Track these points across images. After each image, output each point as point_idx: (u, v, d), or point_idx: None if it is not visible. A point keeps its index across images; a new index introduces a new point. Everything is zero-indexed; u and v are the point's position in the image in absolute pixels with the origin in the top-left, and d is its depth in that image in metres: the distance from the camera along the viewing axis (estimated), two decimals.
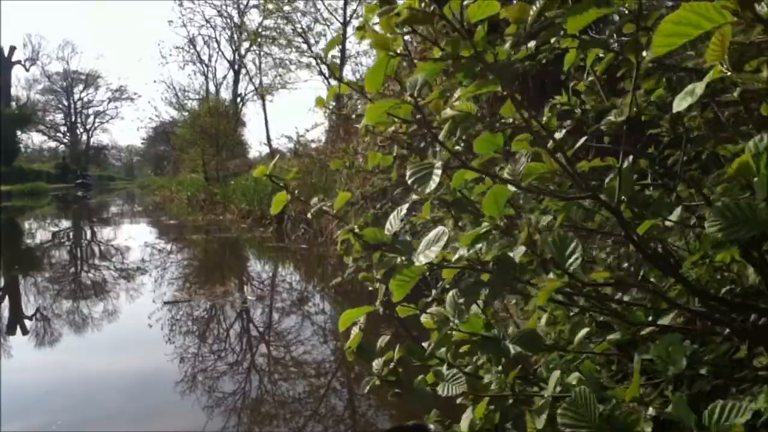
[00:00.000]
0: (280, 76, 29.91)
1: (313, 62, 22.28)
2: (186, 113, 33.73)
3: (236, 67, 43.10)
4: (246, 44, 37.65)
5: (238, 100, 43.36)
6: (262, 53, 33.19)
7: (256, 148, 48.82)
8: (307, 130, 14.60)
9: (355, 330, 1.94)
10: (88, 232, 18.61)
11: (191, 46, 43.54)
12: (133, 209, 29.46)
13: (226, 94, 44.13)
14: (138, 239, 14.63)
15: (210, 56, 55.13)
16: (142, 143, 75.46)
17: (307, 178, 13.54)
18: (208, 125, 28.19)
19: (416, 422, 2.79)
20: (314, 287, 9.16)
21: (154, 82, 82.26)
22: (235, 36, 40.47)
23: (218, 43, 42.80)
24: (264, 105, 33.33)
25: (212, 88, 45.56)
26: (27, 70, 74.78)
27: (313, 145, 14.59)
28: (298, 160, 14.68)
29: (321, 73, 20.64)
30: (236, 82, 43.98)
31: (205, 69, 45.60)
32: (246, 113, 45.51)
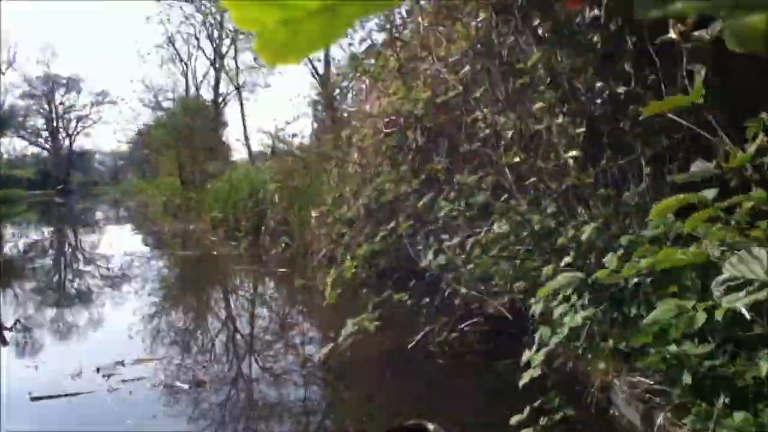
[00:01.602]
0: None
1: None
2: (162, 113, 31.72)
3: (217, 65, 41.29)
4: (227, 42, 35.97)
5: (220, 100, 41.62)
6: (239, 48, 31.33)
7: (239, 149, 46.88)
8: (288, 123, 12.53)
9: None
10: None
11: (170, 44, 41.67)
12: (107, 217, 27.55)
13: (207, 95, 42.34)
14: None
15: (189, 55, 53.18)
16: (127, 146, 73.43)
17: (288, 180, 11.54)
18: (183, 125, 26.21)
19: (416, 422, 3.01)
20: (292, 354, 5.94)
21: (131, 81, 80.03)
22: (216, 33, 38.62)
23: (198, 40, 40.71)
24: (240, 98, 31.27)
25: (193, 89, 43.72)
26: (2, 74, 72.31)
27: (296, 141, 12.59)
28: (277, 159, 12.65)
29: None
30: (217, 81, 42.21)
31: (185, 68, 43.75)
32: (228, 113, 43.73)
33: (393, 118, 7.07)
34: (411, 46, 7.35)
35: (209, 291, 9.96)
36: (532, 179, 4.84)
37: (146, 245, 14.38)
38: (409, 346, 4.75)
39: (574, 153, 5.01)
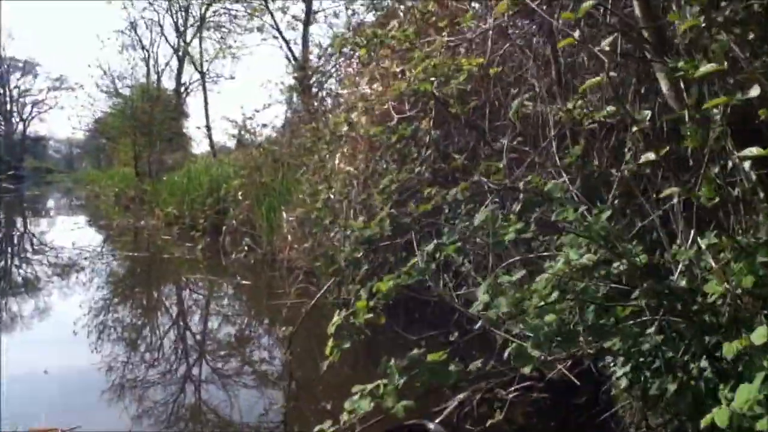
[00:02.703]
0: (223, 41, 26.08)
1: (267, 22, 18.11)
2: (118, 99, 29.75)
3: (180, 53, 39.51)
4: (192, 30, 34.33)
5: (182, 89, 39.86)
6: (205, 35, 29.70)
7: (202, 140, 45.07)
8: (257, 111, 11.01)
9: None
10: None
11: (132, 30, 39.75)
12: (57, 206, 25.66)
13: (169, 84, 40.49)
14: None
15: (152, 41, 51.04)
16: (83, 133, 70.89)
17: (255, 175, 10.01)
18: (141, 112, 24.48)
19: (416, 421, 2.96)
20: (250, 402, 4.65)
21: (89, 66, 77.59)
22: (181, 20, 36.83)
23: (161, 27, 38.78)
24: (203, 84, 29.52)
25: (154, 77, 41.80)
26: None
27: (266, 132, 11.07)
28: (243, 152, 11.12)
29: (279, 34, 16.65)
30: (180, 70, 40.45)
31: (146, 54, 41.83)
32: (191, 104, 41.98)
33: (395, 103, 5.62)
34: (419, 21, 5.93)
35: (160, 299, 8.34)
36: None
37: (86, 242, 12.59)
38: (437, 419, 3.28)
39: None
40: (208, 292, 8.67)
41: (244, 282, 8.57)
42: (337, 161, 6.50)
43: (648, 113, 2.53)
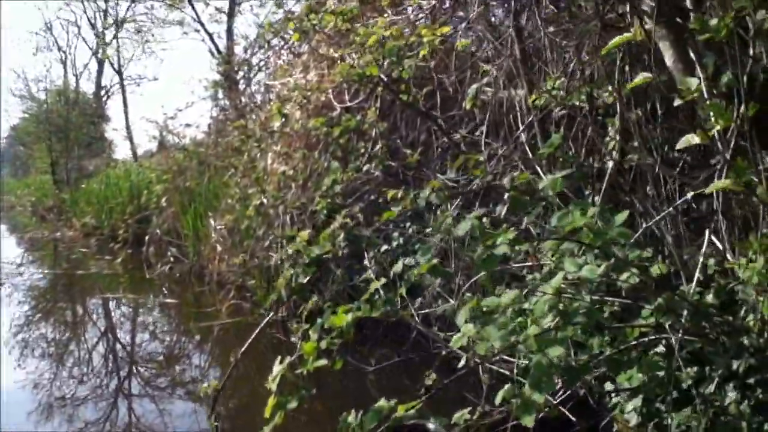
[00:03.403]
0: (142, 38, 24.83)
1: (189, 14, 16.90)
2: (33, 103, 28.11)
3: (99, 55, 37.88)
4: (111, 30, 32.86)
5: (102, 92, 38.22)
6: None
7: (124, 145, 43.41)
8: (180, 110, 10.14)
9: None
10: None
11: (47, 31, 37.89)
12: None
13: (88, 87, 38.75)
14: None
15: (69, 43, 48.93)
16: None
17: (179, 179, 9.15)
18: (57, 116, 23.10)
19: (415, 421, 2.68)
20: None
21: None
22: (99, 20, 35.25)
23: (78, 28, 37.12)
24: (122, 84, 28.22)
25: (73, 80, 39.96)
26: None
27: (191, 133, 10.20)
28: (166, 155, 10.24)
29: (201, 26, 15.58)
30: (99, 72, 38.79)
31: (63, 56, 39.95)
32: (112, 107, 40.38)
33: (335, 92, 4.94)
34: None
35: (65, 324, 7.39)
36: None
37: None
38: None
39: None
40: (128, 312, 7.77)
41: (168, 301, 7.72)
42: (269, 161, 5.77)
43: (694, 81, 1.92)
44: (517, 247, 2.15)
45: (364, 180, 4.24)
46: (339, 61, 4.75)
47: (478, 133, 3.97)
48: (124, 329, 7.15)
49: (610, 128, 3.59)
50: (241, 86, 9.08)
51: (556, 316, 2.36)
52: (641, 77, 2.04)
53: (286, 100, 5.19)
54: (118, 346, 6.43)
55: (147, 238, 9.91)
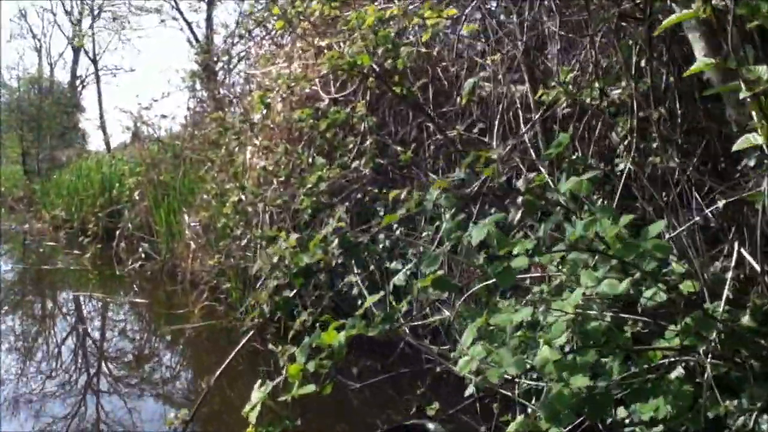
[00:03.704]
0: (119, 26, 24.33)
1: (167, 1, 16.30)
2: (3, 90, 27.43)
3: (75, 44, 37.19)
4: (88, 19, 32.23)
5: (78, 82, 37.56)
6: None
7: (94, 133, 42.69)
8: (155, 100, 9.75)
9: None
10: None
11: (22, 18, 37.12)
12: None
13: (64, 77, 38.02)
14: None
15: (44, 31, 48.06)
16: None
17: (153, 172, 8.77)
18: (29, 105, 22.55)
19: (415, 421, 2.85)
20: None
21: None
22: (75, 8, 34.62)
23: (54, 15, 36.40)
24: (97, 73, 27.68)
25: (47, 68, 39.23)
26: None
27: (166, 124, 9.83)
28: (140, 147, 9.84)
29: (179, 14, 15.06)
30: (75, 61, 38.10)
31: (38, 44, 39.20)
32: (87, 97, 39.72)
33: (320, 83, 4.63)
34: None
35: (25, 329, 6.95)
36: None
37: None
38: None
39: None
40: (96, 311, 7.39)
41: (137, 300, 7.34)
42: (248, 155, 5.43)
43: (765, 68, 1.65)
44: (537, 259, 1.85)
45: (351, 178, 3.94)
46: (326, 51, 4.43)
47: (476, 130, 3.68)
48: (92, 328, 6.77)
49: (619, 128, 3.32)
50: (220, 77, 8.72)
51: (574, 337, 2.08)
52: (701, 62, 1.75)
53: (269, 90, 4.86)
54: (86, 344, 6.06)
55: (118, 232, 9.51)
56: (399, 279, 2.15)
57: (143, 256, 8.54)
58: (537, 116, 3.25)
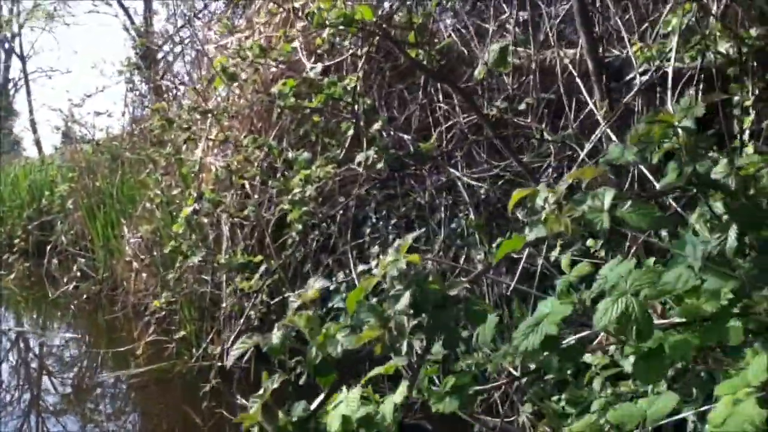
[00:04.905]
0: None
1: None
2: None
3: (6, 46, 35.38)
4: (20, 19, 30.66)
5: (10, 86, 35.84)
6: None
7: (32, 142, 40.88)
8: (88, 96, 8.52)
9: None
10: None
11: None
12: None
13: None
14: None
15: None
16: None
17: (87, 179, 7.56)
18: None
19: (415, 421, 2.72)
20: None
21: None
22: (5, 9, 32.86)
23: None
24: (25, 72, 26.24)
25: None
26: None
27: (100, 122, 8.62)
28: (72, 148, 8.64)
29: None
30: (7, 66, 36.40)
31: None
32: (20, 102, 37.83)
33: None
34: None
35: None
36: None
37: None
38: None
39: None
40: (20, 353, 6.12)
41: (70, 336, 6.12)
42: (200, 152, 4.31)
43: None
44: None
45: (350, 178, 2.90)
46: (300, 14, 3.34)
47: (522, 106, 2.67)
48: (12, 374, 5.52)
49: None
50: (163, 66, 7.56)
51: None
52: None
53: (226, 69, 3.75)
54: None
55: (49, 248, 8.27)
56: (437, 350, 1.23)
57: (78, 275, 7.35)
58: (639, 81, 2.25)
